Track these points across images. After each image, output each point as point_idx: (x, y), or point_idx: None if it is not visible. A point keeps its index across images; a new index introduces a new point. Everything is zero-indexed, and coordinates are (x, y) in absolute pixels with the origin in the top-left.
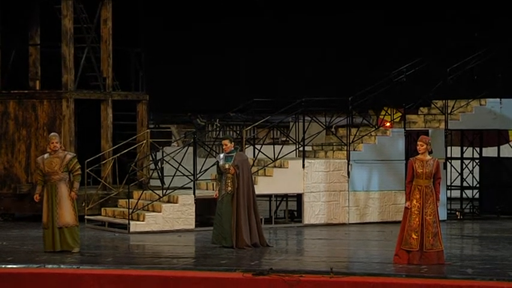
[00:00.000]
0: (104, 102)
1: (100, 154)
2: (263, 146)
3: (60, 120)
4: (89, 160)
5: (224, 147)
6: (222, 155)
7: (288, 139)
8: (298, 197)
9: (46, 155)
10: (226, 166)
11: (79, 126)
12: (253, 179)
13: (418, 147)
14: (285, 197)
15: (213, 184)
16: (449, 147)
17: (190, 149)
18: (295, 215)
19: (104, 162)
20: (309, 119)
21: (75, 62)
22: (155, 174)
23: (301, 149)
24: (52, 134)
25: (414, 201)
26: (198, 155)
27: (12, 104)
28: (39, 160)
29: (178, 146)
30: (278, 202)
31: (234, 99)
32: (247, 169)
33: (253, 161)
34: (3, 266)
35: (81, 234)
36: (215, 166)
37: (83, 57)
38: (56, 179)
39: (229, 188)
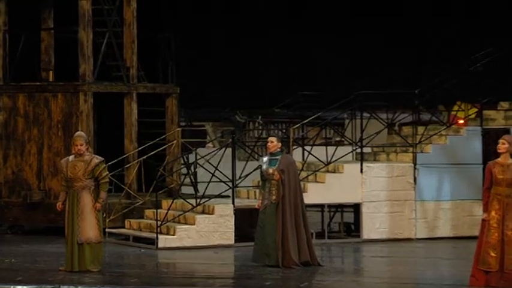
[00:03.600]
0: (127, 96)
1: (123, 157)
2: (313, 147)
3: (76, 117)
4: (110, 163)
5: (269, 144)
6: (265, 158)
7: (342, 139)
8: (356, 208)
9: (71, 157)
10: (270, 171)
11: (99, 124)
12: (302, 186)
13: (498, 147)
14: (339, 207)
15: (254, 192)
16: None
17: (228, 150)
18: (352, 228)
19: (127, 166)
20: (368, 115)
21: (94, 49)
22: (187, 180)
23: (358, 150)
24: (77, 134)
25: (493, 213)
26: (237, 157)
27: (21, 99)
28: (63, 163)
29: (214, 147)
30: (332, 213)
31: (279, 93)
32: (295, 174)
33: (302, 165)
34: (12, 286)
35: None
36: (257, 171)
37: (103, 44)
38: (78, 186)
39: (274, 197)
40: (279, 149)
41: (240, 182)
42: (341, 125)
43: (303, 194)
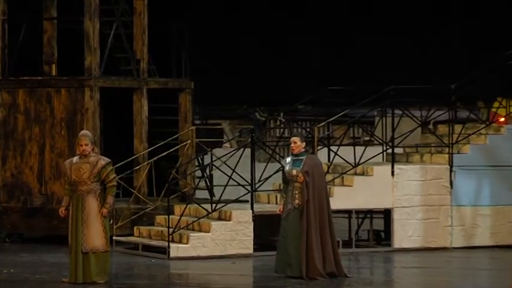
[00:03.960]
0: (137, 91)
1: (132, 158)
2: (340, 147)
3: (81, 114)
4: (118, 165)
5: (292, 145)
6: (288, 159)
7: (372, 139)
8: (386, 214)
9: (76, 158)
10: (294, 172)
11: (106, 122)
12: (328, 189)
13: None
14: (368, 213)
15: (276, 196)
16: None
17: (247, 151)
18: (382, 236)
19: (137, 168)
20: (400, 112)
21: (101, 41)
22: (202, 184)
23: (389, 151)
24: (82, 133)
25: None
26: (257, 159)
27: (21, 94)
28: (67, 164)
29: (231, 147)
30: (360, 220)
31: (303, 88)
32: (320, 177)
33: (328, 167)
34: None
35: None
36: (279, 173)
37: (111, 35)
38: (83, 190)
39: (297, 201)
40: (303, 150)
41: (260, 186)
42: (370, 123)
43: (329, 198)
